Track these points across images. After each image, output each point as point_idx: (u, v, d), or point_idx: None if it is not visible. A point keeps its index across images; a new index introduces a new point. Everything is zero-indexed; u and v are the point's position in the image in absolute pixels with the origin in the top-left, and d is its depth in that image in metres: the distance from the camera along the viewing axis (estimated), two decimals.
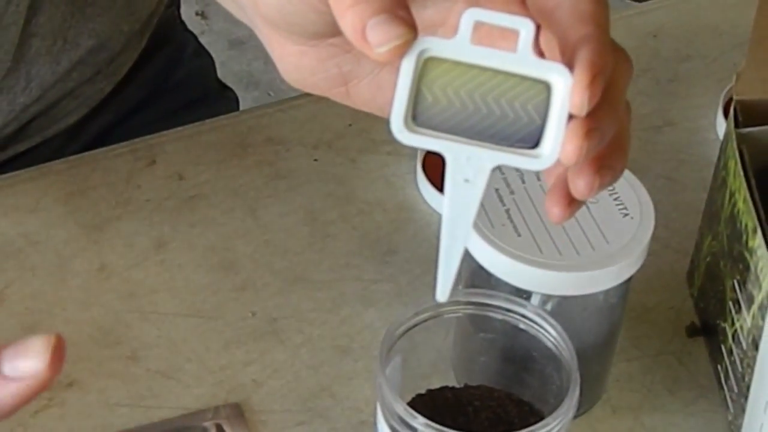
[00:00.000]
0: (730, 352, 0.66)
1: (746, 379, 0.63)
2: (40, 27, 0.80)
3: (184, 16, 0.97)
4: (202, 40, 1.00)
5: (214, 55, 0.99)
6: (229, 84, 1.01)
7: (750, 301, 0.62)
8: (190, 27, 0.98)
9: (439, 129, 0.47)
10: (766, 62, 0.67)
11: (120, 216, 0.75)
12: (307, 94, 0.83)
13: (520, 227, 0.62)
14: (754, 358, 0.62)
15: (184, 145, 0.79)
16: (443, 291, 0.48)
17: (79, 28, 0.82)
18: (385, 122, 0.80)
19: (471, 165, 0.46)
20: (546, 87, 0.46)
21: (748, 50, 0.67)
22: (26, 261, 0.72)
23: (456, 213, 0.47)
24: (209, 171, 0.78)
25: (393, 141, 0.79)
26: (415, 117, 0.47)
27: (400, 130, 0.46)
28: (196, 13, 2.02)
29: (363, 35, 0.46)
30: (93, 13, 0.83)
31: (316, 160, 0.79)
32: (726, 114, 0.79)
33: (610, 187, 0.63)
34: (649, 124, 0.82)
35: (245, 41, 2.01)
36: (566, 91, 0.45)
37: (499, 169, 0.53)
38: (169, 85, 0.92)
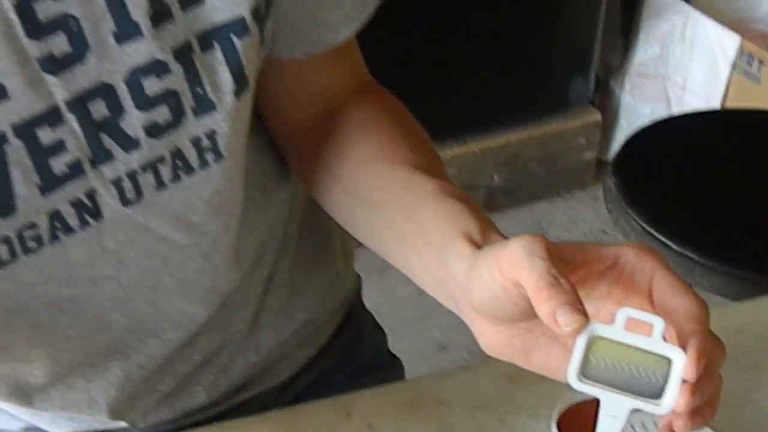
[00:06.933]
0: None
1: None
2: (268, 306, 1.01)
3: None
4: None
5: None
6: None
7: None
8: None
9: (599, 381, 0.70)
10: None
11: None
12: (464, 367, 1.04)
13: None
14: None
15: (374, 401, 0.99)
16: None
17: (297, 305, 1.03)
18: (525, 394, 1.00)
19: (617, 406, 0.70)
20: (668, 361, 0.70)
21: None
22: None
23: None
24: (393, 424, 0.96)
25: (533, 406, 0.99)
26: (584, 372, 0.70)
27: (574, 381, 0.70)
28: None
29: (554, 318, 0.68)
30: (305, 295, 1.04)
31: (473, 418, 0.98)
32: None
33: None
34: (731, 401, 0.99)
35: None
36: (682, 365, 0.69)
37: None
38: (355, 353, 1.11)
